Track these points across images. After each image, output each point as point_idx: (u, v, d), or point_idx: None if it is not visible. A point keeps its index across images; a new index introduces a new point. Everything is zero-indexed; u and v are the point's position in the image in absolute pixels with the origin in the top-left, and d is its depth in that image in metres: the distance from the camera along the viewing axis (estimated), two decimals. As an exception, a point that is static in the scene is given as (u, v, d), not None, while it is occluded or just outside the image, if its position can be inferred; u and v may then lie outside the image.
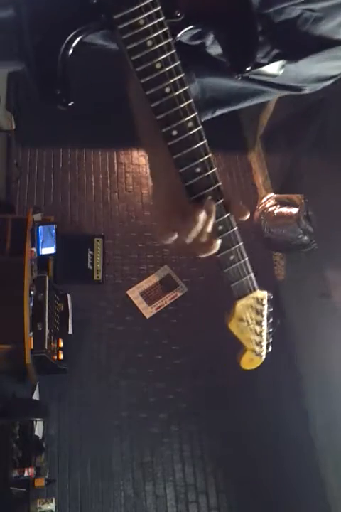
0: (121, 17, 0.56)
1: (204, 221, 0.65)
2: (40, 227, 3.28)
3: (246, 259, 0.78)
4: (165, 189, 0.69)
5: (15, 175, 3.59)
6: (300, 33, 0.71)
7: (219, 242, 0.69)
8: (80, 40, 0.61)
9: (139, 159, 3.98)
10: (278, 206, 3.50)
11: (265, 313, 0.82)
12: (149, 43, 0.57)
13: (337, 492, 2.89)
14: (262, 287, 0.79)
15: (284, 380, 3.17)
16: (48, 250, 3.26)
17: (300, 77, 0.79)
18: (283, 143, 3.63)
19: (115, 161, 3.96)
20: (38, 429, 2.71)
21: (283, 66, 0.73)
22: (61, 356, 2.96)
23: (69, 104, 0.61)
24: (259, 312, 0.82)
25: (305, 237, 3.25)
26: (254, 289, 0.79)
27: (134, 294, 3.42)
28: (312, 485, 2.94)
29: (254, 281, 0.79)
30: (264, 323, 0.83)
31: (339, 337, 2.82)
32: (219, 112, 0.85)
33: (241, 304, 0.79)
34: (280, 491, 2.90)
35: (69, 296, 3.20)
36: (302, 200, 3.29)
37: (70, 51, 0.61)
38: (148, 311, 3.37)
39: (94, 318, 3.30)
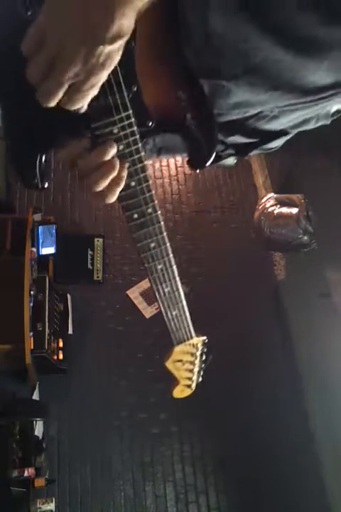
0: (96, 126, 0.61)
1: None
2: (40, 227, 3.28)
3: (188, 316, 0.88)
4: None
5: (15, 175, 3.59)
6: (250, 129, 0.78)
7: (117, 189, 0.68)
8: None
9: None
10: (278, 206, 3.50)
11: (198, 354, 0.97)
12: (120, 147, 0.63)
13: (336, 492, 2.89)
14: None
15: (284, 380, 3.18)
16: (48, 250, 3.27)
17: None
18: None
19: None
20: (38, 429, 2.71)
21: (235, 159, 0.84)
22: (61, 356, 2.96)
23: (45, 186, 0.69)
24: (193, 355, 0.96)
25: (305, 237, 3.25)
26: (191, 337, 0.93)
27: (134, 294, 3.43)
28: (312, 485, 2.94)
29: (192, 331, 0.92)
30: (197, 362, 0.98)
31: (339, 337, 2.82)
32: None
33: (178, 349, 0.94)
34: (280, 491, 2.90)
35: (69, 296, 3.20)
36: (302, 200, 3.29)
37: (47, 156, 0.68)
38: (148, 311, 3.37)
39: (94, 318, 3.30)
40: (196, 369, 1.00)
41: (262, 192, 3.96)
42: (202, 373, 1.03)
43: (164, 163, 4.01)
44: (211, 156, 0.70)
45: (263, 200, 3.64)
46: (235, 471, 2.98)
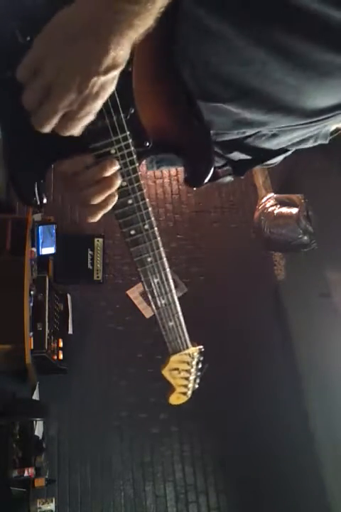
0: (94, 147, 0.63)
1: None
2: (40, 227, 3.28)
3: (184, 327, 0.90)
4: None
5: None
6: (249, 147, 0.80)
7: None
8: None
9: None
10: (278, 206, 3.50)
11: (194, 363, 0.99)
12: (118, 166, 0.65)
13: (336, 492, 2.89)
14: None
15: (284, 380, 3.18)
16: (48, 250, 3.27)
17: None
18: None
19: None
20: (38, 429, 2.71)
21: (232, 178, 0.86)
22: (61, 356, 2.96)
23: (44, 203, 0.70)
24: (189, 363, 0.99)
25: (305, 237, 3.25)
26: (187, 347, 0.95)
27: (134, 294, 3.42)
28: (312, 485, 2.94)
29: (188, 341, 0.94)
30: (193, 370, 1.01)
31: (339, 337, 2.82)
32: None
33: (174, 359, 0.96)
34: (280, 491, 2.90)
35: (69, 296, 3.20)
36: (302, 200, 3.29)
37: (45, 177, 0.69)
38: (148, 311, 3.37)
39: (94, 318, 3.30)
40: (192, 377, 1.02)
41: (262, 192, 3.96)
42: (198, 381, 1.05)
43: (164, 163, 4.01)
44: (208, 175, 0.72)
45: (263, 200, 3.64)
46: (235, 471, 2.98)
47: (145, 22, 0.53)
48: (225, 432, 3.02)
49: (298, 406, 3.13)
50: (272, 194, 3.67)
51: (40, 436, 2.73)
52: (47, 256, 3.24)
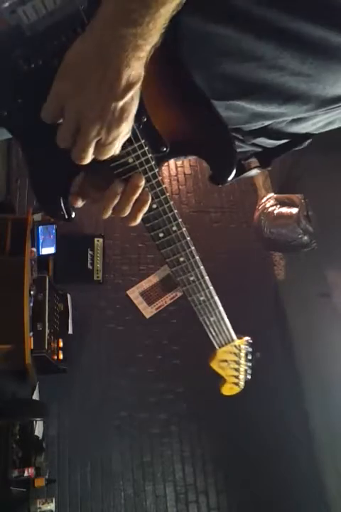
0: (112, 159, 0.64)
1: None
2: (40, 227, 3.28)
3: (226, 321, 0.93)
4: None
5: (15, 175, 3.59)
6: (272, 131, 0.79)
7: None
8: None
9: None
10: (278, 206, 3.49)
11: (242, 354, 1.02)
12: None
13: (336, 492, 2.89)
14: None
15: (284, 380, 3.17)
16: (48, 250, 3.26)
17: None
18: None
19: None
20: (38, 429, 2.71)
21: (258, 170, 0.87)
22: (61, 356, 2.95)
23: (72, 217, 0.72)
24: (237, 354, 1.01)
25: (305, 237, 3.25)
26: (232, 340, 0.98)
27: (134, 294, 3.42)
28: (312, 485, 2.94)
29: (232, 335, 0.97)
30: (242, 361, 1.03)
31: (339, 337, 2.82)
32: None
33: (221, 351, 0.99)
34: (280, 491, 2.90)
35: (69, 296, 3.20)
36: (302, 200, 3.29)
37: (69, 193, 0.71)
38: (148, 311, 3.37)
39: (94, 318, 3.30)
40: (242, 368, 1.04)
41: (262, 192, 3.96)
42: (249, 372, 1.07)
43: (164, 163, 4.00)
44: (232, 171, 0.72)
45: (263, 200, 3.64)
46: (235, 471, 2.98)
47: (150, 40, 0.55)
48: (225, 432, 3.02)
49: (298, 406, 3.13)
50: (272, 194, 3.67)
51: (40, 436, 2.73)
52: (47, 256, 3.24)
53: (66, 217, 0.71)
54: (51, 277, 3.14)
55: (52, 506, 2.55)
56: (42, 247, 3.25)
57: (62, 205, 0.70)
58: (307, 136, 0.82)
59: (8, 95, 0.62)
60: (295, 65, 0.66)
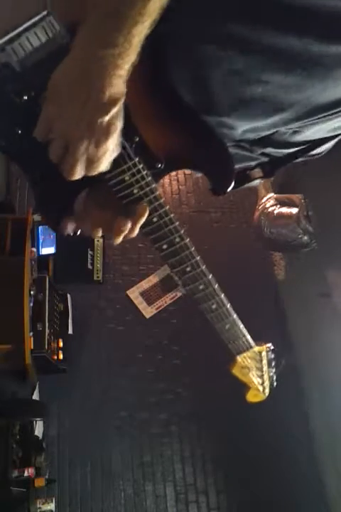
0: (109, 177, 0.68)
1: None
2: (40, 227, 3.28)
3: (242, 327, 0.92)
4: None
5: (15, 175, 3.59)
6: (277, 142, 0.80)
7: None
8: None
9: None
10: (278, 206, 3.49)
11: (264, 361, 1.00)
12: (135, 191, 0.70)
13: (336, 492, 2.89)
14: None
15: (284, 380, 3.17)
16: (48, 250, 3.26)
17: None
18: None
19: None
20: (38, 429, 2.71)
21: (260, 181, 0.87)
22: (61, 356, 2.95)
23: (77, 233, 0.76)
24: (259, 361, 1.00)
25: (305, 237, 3.25)
26: (251, 347, 0.96)
27: (134, 294, 3.42)
28: (312, 485, 2.94)
29: (250, 341, 0.95)
30: (265, 368, 1.01)
31: (339, 337, 2.82)
32: None
33: (241, 358, 0.97)
34: (280, 491, 2.90)
35: (69, 296, 3.20)
36: (302, 200, 3.29)
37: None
38: (148, 311, 3.37)
39: (94, 318, 3.30)
40: (266, 375, 1.04)
41: (262, 192, 3.96)
42: (275, 378, 1.07)
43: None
44: (231, 182, 0.73)
45: (263, 200, 3.64)
46: (235, 471, 2.98)
47: (127, 59, 0.59)
48: (225, 432, 3.02)
49: (298, 406, 3.13)
50: (272, 194, 3.67)
51: (40, 436, 2.73)
52: (47, 256, 3.24)
53: (71, 234, 0.75)
54: (51, 277, 3.14)
55: (52, 506, 2.55)
56: (42, 247, 3.25)
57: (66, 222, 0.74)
58: (313, 143, 0.83)
59: (5, 127, 0.66)
60: (280, 78, 0.67)
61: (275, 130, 0.77)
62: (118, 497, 2.86)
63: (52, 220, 0.75)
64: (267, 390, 1.07)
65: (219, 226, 3.89)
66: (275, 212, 3.46)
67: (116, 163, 0.66)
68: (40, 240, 3.26)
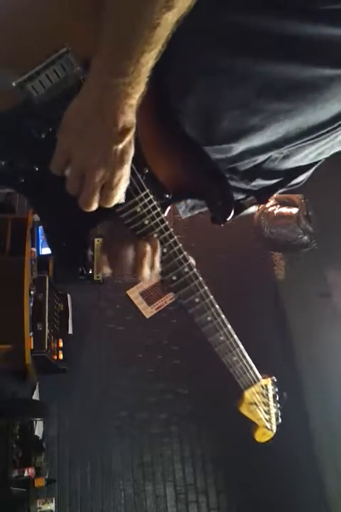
0: (122, 210, 0.71)
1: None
2: (40, 227, 3.27)
3: (248, 359, 0.92)
4: None
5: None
6: (266, 171, 0.83)
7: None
8: None
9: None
10: (278, 206, 3.49)
11: (270, 395, 0.99)
12: (146, 221, 0.73)
13: (336, 492, 2.89)
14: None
15: (284, 381, 3.17)
16: (48, 250, 3.26)
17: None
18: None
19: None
20: (38, 429, 2.71)
21: (256, 207, 0.91)
22: (61, 356, 2.96)
23: (90, 274, 0.76)
24: (265, 395, 0.99)
25: (305, 237, 3.25)
26: (258, 380, 0.96)
27: (134, 294, 3.42)
28: (312, 485, 2.94)
29: (257, 374, 0.95)
30: (271, 402, 1.01)
31: (339, 337, 2.82)
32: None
33: (248, 393, 0.96)
34: (280, 491, 2.90)
35: (69, 296, 3.20)
36: (302, 200, 3.29)
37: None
38: (148, 311, 3.37)
39: (94, 318, 3.30)
40: (272, 410, 1.03)
41: (262, 192, 3.96)
42: (279, 413, 1.05)
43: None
44: (230, 212, 0.77)
45: (263, 200, 3.64)
46: (235, 471, 2.98)
47: (137, 88, 0.61)
48: (225, 432, 3.02)
49: (298, 406, 3.13)
50: (272, 194, 3.67)
51: (40, 436, 2.73)
52: (47, 256, 3.24)
53: (84, 273, 0.79)
54: (51, 277, 3.14)
55: (52, 506, 2.55)
56: (42, 247, 3.25)
57: (82, 269, 0.77)
58: (300, 169, 0.86)
59: (25, 163, 0.69)
60: (275, 104, 0.70)
61: (268, 155, 0.80)
62: (118, 497, 2.86)
63: (67, 262, 0.79)
64: (274, 427, 1.07)
65: (219, 226, 3.88)
66: (275, 212, 3.46)
67: (128, 194, 0.68)
68: (40, 240, 3.25)
